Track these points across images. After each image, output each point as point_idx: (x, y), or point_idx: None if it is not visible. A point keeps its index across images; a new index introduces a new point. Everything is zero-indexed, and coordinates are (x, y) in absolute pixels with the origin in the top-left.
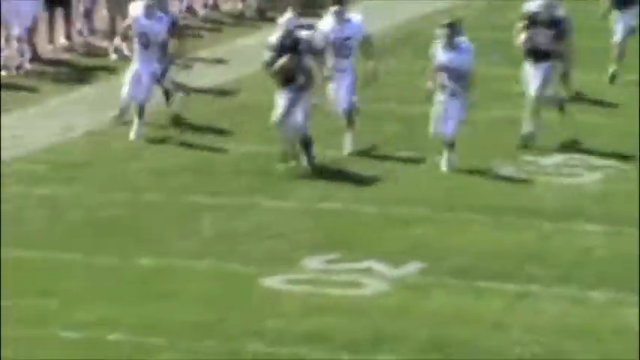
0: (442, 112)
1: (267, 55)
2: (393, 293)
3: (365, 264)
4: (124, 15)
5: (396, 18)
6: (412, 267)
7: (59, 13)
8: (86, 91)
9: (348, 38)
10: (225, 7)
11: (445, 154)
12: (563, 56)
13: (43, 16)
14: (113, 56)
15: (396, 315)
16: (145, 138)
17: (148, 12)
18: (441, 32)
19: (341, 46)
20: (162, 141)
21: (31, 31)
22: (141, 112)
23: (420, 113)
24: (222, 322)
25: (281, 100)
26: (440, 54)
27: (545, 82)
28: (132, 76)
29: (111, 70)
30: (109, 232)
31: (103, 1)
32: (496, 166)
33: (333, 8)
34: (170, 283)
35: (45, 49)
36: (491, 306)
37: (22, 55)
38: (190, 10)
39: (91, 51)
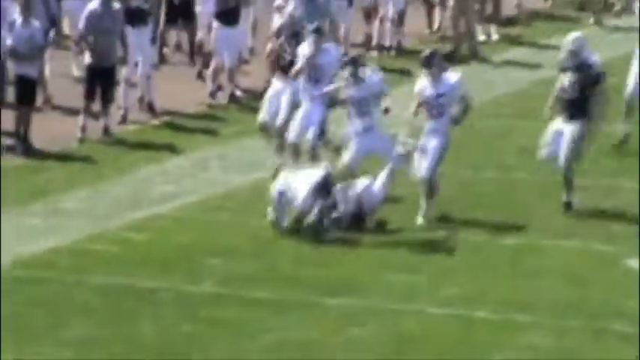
0: None
1: None
2: None
3: None
4: None
5: None
6: None
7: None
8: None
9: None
10: None
11: None
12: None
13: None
14: (481, 37)
15: None
16: (515, 115)
17: (317, 47)
18: None
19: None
20: (530, 119)
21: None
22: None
23: None
24: (587, 301)
25: None
26: None
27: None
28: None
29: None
30: (478, 209)
31: None
32: None
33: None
34: (536, 262)
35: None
36: None
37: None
38: None
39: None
